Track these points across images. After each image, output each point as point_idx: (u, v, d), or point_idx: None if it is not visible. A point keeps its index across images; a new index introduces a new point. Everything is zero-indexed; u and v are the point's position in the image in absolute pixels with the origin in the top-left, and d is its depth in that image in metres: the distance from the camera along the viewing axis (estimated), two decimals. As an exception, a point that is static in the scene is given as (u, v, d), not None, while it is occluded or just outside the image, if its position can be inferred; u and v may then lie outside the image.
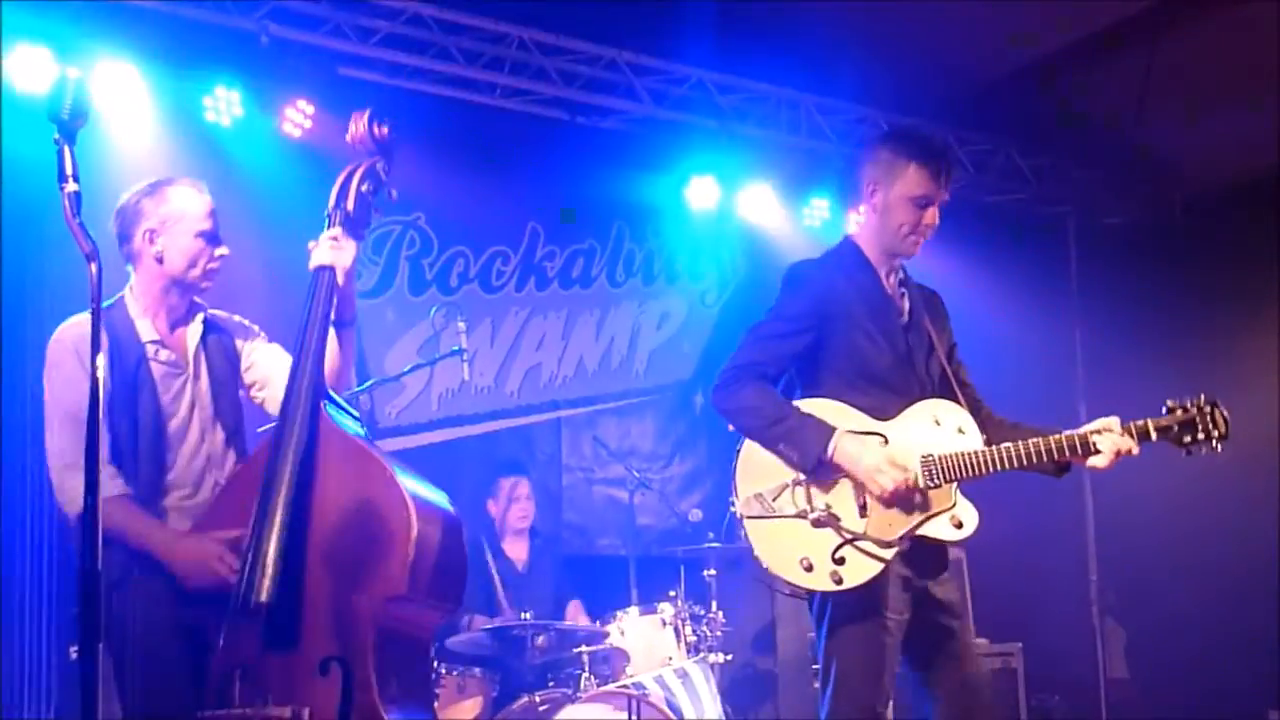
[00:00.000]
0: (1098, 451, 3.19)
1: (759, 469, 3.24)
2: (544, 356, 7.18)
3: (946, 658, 3.34)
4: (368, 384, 5.36)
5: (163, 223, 3.30)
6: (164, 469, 3.24)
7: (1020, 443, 3.20)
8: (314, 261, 3.20)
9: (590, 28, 6.48)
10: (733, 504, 3.25)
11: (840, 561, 3.14)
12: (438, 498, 3.08)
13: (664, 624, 5.45)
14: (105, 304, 3.29)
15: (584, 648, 5.14)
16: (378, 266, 6.65)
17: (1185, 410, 3.24)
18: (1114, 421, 3.23)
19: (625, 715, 4.85)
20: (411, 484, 2.97)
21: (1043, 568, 7.51)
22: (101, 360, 2.21)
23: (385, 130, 3.32)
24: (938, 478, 3.19)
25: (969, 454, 3.20)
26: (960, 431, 3.27)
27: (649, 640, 5.41)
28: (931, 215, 3.37)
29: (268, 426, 3.20)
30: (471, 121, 6.57)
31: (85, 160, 2.43)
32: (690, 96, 6.92)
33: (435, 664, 5.13)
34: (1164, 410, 3.27)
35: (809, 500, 3.19)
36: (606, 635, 5.31)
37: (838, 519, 3.17)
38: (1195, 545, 7.24)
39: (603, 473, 7.14)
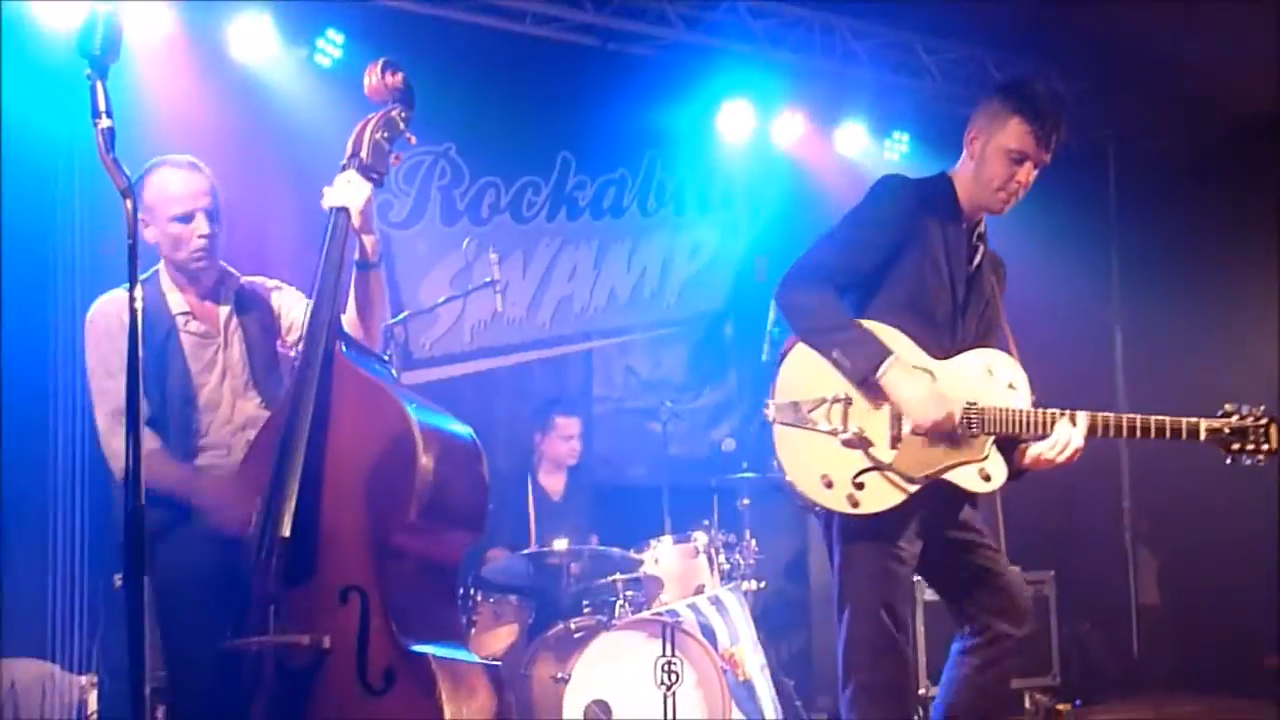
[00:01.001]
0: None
1: (802, 379, 3.21)
2: (576, 287, 7.17)
3: (974, 570, 3.32)
4: (401, 316, 5.38)
5: (148, 209, 3.33)
6: (195, 434, 3.32)
7: (1058, 410, 3.18)
8: (327, 201, 3.22)
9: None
10: (767, 405, 3.21)
11: (860, 486, 3.14)
12: (453, 428, 3.12)
13: (697, 552, 5.49)
14: (141, 278, 3.34)
15: (618, 575, 5.18)
16: (409, 198, 6.63)
17: (1241, 418, 3.21)
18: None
19: (659, 642, 4.90)
20: (424, 416, 3.01)
21: (1075, 496, 7.49)
22: (139, 301, 2.23)
23: (399, 78, 3.30)
24: (976, 427, 3.17)
25: (1013, 411, 3.17)
26: (1011, 387, 3.25)
27: (683, 568, 5.45)
28: (1026, 174, 3.29)
29: None
30: (502, 49, 6.51)
31: (114, 97, 2.39)
32: (723, 21, 6.83)
33: (472, 591, 5.21)
34: (1219, 412, 3.23)
35: (844, 420, 3.16)
36: (641, 563, 5.35)
37: (869, 444, 3.15)
38: (1228, 472, 7.18)
39: (634, 403, 7.15)
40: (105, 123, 2.31)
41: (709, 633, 5.16)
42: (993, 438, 3.18)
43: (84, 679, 4.77)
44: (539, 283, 7.05)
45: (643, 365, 7.18)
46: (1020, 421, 3.17)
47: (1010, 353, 3.34)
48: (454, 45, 6.25)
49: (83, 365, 3.36)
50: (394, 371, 3.68)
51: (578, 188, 7.17)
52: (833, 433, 3.15)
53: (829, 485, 3.14)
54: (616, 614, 5.05)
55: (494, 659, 5.10)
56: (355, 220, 3.21)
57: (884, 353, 3.13)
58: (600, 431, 7.02)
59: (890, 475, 3.15)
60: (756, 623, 5.48)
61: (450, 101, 6.00)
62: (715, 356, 7.43)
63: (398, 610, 2.91)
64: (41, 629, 4.91)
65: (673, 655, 4.88)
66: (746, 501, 5.89)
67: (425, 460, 2.94)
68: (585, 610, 5.19)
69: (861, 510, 3.14)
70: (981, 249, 3.41)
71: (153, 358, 3.27)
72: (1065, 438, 3.16)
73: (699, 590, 5.39)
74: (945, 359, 3.25)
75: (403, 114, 3.32)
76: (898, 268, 3.27)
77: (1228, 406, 3.23)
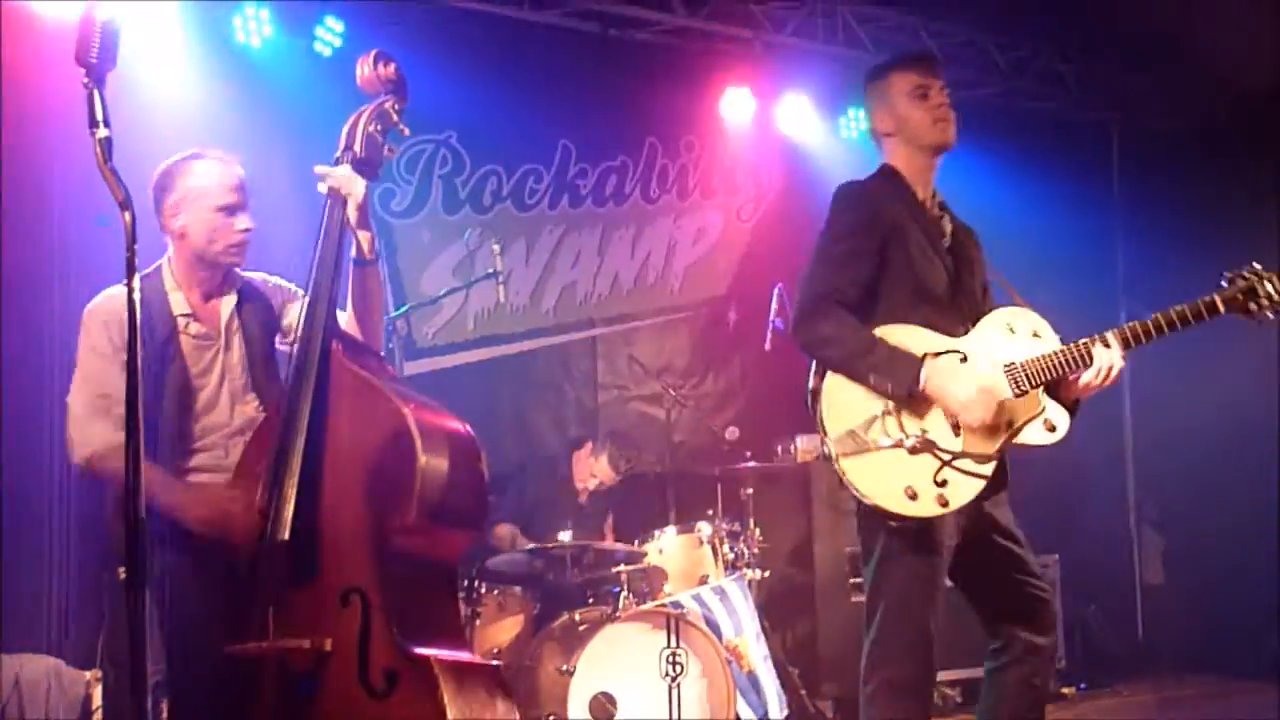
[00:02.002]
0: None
1: (845, 405, 3.18)
2: (579, 274, 7.16)
3: (1011, 583, 3.31)
4: (404, 309, 5.38)
5: (184, 197, 3.29)
6: (189, 437, 3.28)
7: (1089, 339, 3.21)
8: (327, 183, 3.16)
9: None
10: (824, 445, 3.17)
11: (943, 484, 3.11)
12: (452, 426, 3.08)
13: (701, 542, 5.49)
14: (144, 272, 3.32)
15: (623, 567, 5.19)
16: (411, 186, 6.62)
17: (1245, 279, 3.27)
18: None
19: (664, 633, 4.91)
20: (422, 414, 2.98)
21: (1081, 479, 7.50)
22: (139, 309, 2.22)
23: (391, 69, 3.26)
24: (1023, 384, 3.18)
25: (1050, 357, 3.20)
26: (1036, 335, 3.26)
27: (687, 559, 5.46)
28: (938, 97, 3.38)
29: None
30: (503, 37, 6.49)
31: (115, 89, 2.36)
32: (724, 7, 6.78)
33: (476, 583, 5.21)
34: (1223, 283, 3.29)
35: (901, 428, 3.14)
36: (645, 555, 5.36)
37: (934, 443, 3.13)
38: (1233, 453, 7.20)
39: (638, 390, 7.15)
40: (103, 132, 2.27)
41: (713, 625, 5.17)
42: (1040, 388, 3.21)
43: (88, 674, 4.78)
44: (542, 270, 7.04)
45: (646, 352, 7.16)
46: (1060, 364, 3.19)
47: (1015, 303, 3.36)
48: (454, 32, 6.23)
49: None
50: (392, 368, 3.64)
51: (580, 175, 7.15)
52: (897, 445, 3.12)
53: (914, 496, 3.11)
54: (621, 605, 5.06)
55: (499, 650, 5.14)
56: (352, 215, 3.17)
57: (917, 362, 3.13)
58: (605, 419, 7.03)
59: (963, 464, 3.13)
60: (760, 612, 5.49)
61: (451, 89, 5.98)
62: (720, 343, 7.41)
63: (399, 612, 2.89)
64: (44, 624, 4.93)
65: (677, 647, 4.89)
66: (750, 490, 5.88)
67: (424, 460, 2.91)
68: (590, 602, 5.20)
69: (954, 506, 3.12)
70: (947, 217, 3.44)
71: (153, 358, 3.23)
72: (1107, 361, 3.20)
73: (703, 581, 5.39)
74: (967, 334, 3.26)
75: (396, 105, 3.27)
76: (889, 265, 3.27)
77: (1227, 274, 3.30)
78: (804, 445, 6.31)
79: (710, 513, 5.70)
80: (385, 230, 6.41)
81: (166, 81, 5.40)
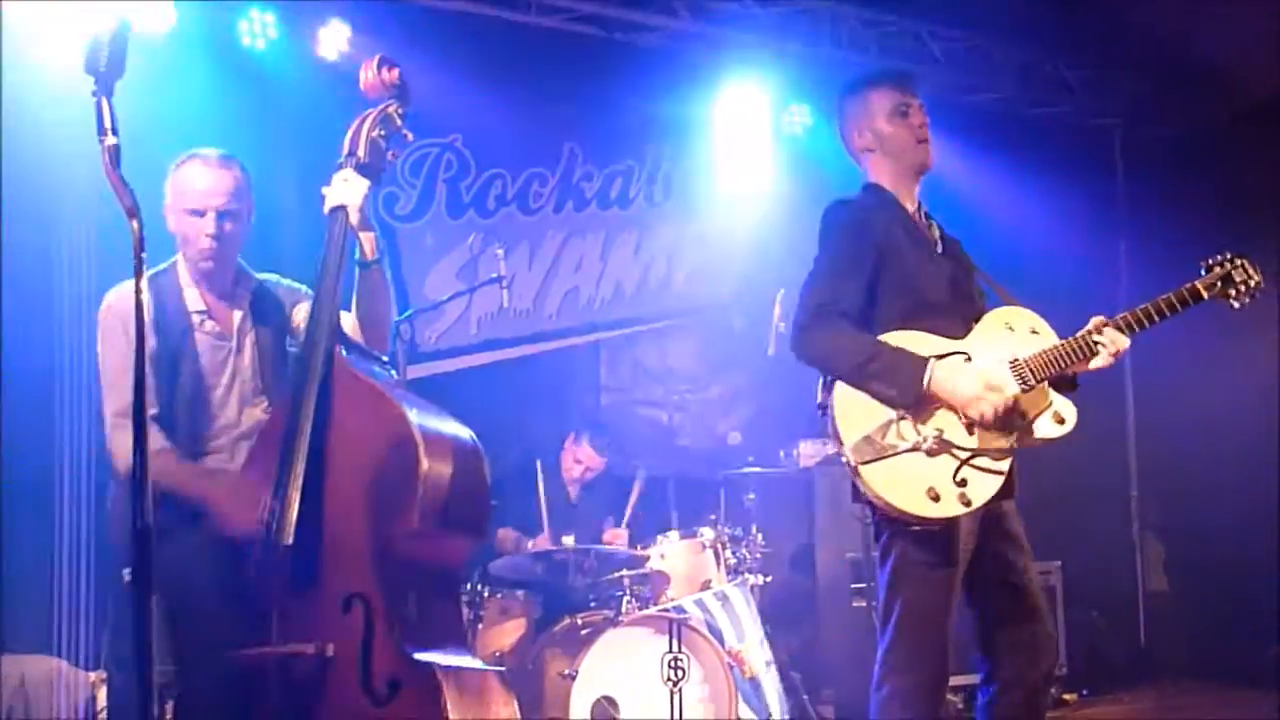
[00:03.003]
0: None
1: (859, 412, 3.18)
2: (582, 279, 7.16)
3: (1012, 593, 3.31)
4: (407, 314, 5.38)
5: (171, 199, 3.34)
6: (202, 436, 3.30)
7: (1090, 327, 3.25)
8: (329, 203, 3.21)
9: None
10: (842, 456, 3.18)
11: (963, 484, 3.12)
12: (455, 431, 3.10)
13: (704, 547, 5.49)
14: (160, 268, 3.35)
15: (625, 571, 5.19)
16: (415, 190, 6.62)
17: (1222, 265, 3.36)
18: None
19: (666, 638, 4.91)
20: (425, 420, 3.00)
21: (1083, 486, 7.48)
22: (146, 317, 2.22)
23: (395, 74, 3.28)
24: (1029, 379, 3.21)
25: (1053, 350, 3.23)
26: (1034, 332, 3.29)
27: (689, 563, 5.46)
28: (917, 116, 3.41)
29: None
30: (508, 40, 6.48)
31: (120, 92, 2.37)
32: (730, 10, 6.79)
33: (479, 587, 5.21)
34: (1203, 271, 3.37)
35: (916, 430, 3.15)
36: (647, 559, 5.36)
37: (950, 443, 3.14)
38: (1235, 460, 7.19)
39: (642, 394, 7.15)
40: (111, 140, 2.28)
41: (715, 630, 5.17)
42: (1046, 381, 3.23)
43: (93, 675, 4.79)
44: (546, 274, 7.04)
45: (650, 357, 7.16)
46: (1062, 356, 3.23)
47: (1009, 303, 3.38)
48: (459, 36, 6.23)
49: (88, 359, 3.35)
50: (394, 373, 3.65)
51: (584, 179, 7.15)
52: (915, 447, 3.13)
53: (936, 498, 3.11)
54: (623, 610, 5.06)
55: (501, 654, 5.14)
56: (353, 218, 3.19)
57: (921, 364, 3.14)
58: (608, 424, 7.02)
59: (981, 462, 3.15)
60: (763, 616, 5.49)
61: (456, 93, 5.98)
62: (723, 348, 7.40)
63: (401, 618, 2.91)
64: (49, 625, 4.93)
65: (679, 651, 4.89)
66: (752, 496, 5.88)
67: (427, 465, 2.93)
68: (592, 606, 5.20)
69: (976, 504, 3.13)
70: (935, 226, 3.47)
71: (168, 355, 3.25)
72: (1112, 346, 3.25)
73: (705, 585, 5.39)
74: (968, 335, 3.29)
75: (399, 110, 3.31)
76: (886, 278, 3.29)
77: (1206, 261, 3.39)
78: (807, 450, 6.32)
79: (713, 517, 5.70)
80: (389, 234, 6.41)
81: (170, 83, 5.39)
